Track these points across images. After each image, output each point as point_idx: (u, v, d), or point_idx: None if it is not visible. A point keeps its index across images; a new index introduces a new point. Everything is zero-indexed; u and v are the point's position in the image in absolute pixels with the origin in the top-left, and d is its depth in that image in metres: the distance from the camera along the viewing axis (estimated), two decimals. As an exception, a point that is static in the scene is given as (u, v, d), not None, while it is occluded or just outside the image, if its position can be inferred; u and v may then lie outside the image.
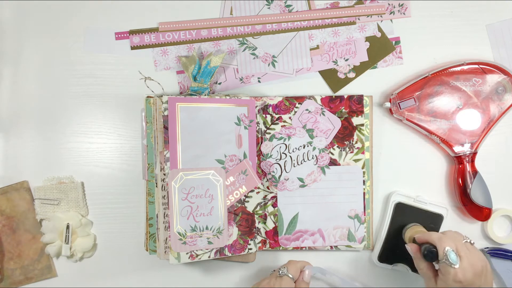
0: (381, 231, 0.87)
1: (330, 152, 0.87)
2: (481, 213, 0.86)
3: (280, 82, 0.89)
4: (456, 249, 0.71)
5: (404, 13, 0.89)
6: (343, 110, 0.87)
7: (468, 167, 0.86)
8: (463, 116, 0.86)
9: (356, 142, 0.87)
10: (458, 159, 0.87)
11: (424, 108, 0.86)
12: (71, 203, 0.87)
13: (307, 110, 0.87)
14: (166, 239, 0.82)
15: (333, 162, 0.87)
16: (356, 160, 0.87)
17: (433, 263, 0.74)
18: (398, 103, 0.86)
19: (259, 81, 0.89)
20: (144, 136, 0.86)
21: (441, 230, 0.87)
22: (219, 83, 0.89)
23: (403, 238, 0.85)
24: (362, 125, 0.87)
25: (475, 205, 0.86)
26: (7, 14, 0.89)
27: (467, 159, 0.86)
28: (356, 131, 0.87)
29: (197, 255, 0.82)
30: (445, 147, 0.87)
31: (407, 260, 0.86)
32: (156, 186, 0.83)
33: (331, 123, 0.87)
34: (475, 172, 0.86)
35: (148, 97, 0.85)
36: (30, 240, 0.88)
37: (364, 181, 0.87)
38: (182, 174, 0.81)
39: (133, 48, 0.88)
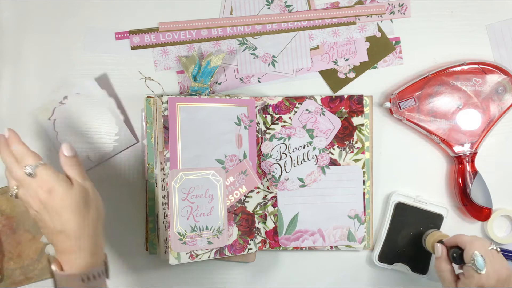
0: (381, 231, 0.87)
1: (330, 152, 0.87)
2: (481, 213, 0.86)
3: (280, 82, 0.89)
4: (483, 254, 0.71)
5: (404, 13, 0.89)
6: (343, 110, 0.87)
7: (468, 167, 0.86)
8: (463, 116, 0.86)
9: (356, 142, 0.87)
10: (458, 159, 0.87)
11: (424, 108, 0.86)
12: (71, 203, 0.87)
13: (307, 110, 0.87)
14: (166, 239, 0.82)
15: (333, 162, 0.87)
16: (356, 160, 0.87)
17: (457, 267, 0.75)
18: (398, 103, 0.86)
19: (259, 81, 0.89)
20: (144, 136, 0.86)
21: (441, 230, 0.87)
22: (219, 83, 0.89)
23: (424, 244, 0.85)
24: (362, 125, 0.87)
25: (475, 205, 0.86)
26: (7, 14, 0.88)
27: (467, 159, 0.86)
28: (356, 131, 0.87)
29: (197, 255, 0.82)
30: (445, 147, 0.87)
31: (407, 260, 0.86)
32: (156, 186, 0.83)
33: (331, 123, 0.87)
34: (475, 172, 0.86)
35: (148, 97, 0.85)
36: (30, 240, 0.88)
37: (364, 181, 0.87)
38: (182, 174, 0.81)
39: (133, 48, 0.88)
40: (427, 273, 0.87)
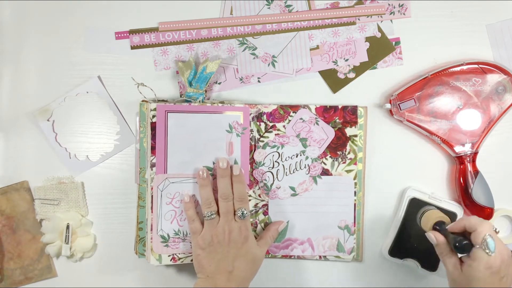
0: (394, 225, 0.87)
1: (322, 162, 0.86)
2: (482, 213, 0.86)
3: (280, 82, 0.89)
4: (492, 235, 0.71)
5: (404, 13, 0.89)
6: (337, 120, 0.86)
7: (469, 167, 0.86)
8: (463, 116, 0.86)
9: (349, 153, 0.86)
10: (459, 159, 0.86)
11: (424, 108, 0.86)
12: (71, 203, 0.87)
13: (301, 119, 0.86)
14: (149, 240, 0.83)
15: (325, 172, 0.86)
16: (348, 171, 0.86)
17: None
18: (398, 104, 0.86)
19: (259, 81, 0.89)
20: (137, 140, 0.86)
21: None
22: (219, 83, 0.89)
23: (419, 224, 0.84)
24: (356, 136, 0.86)
25: (477, 205, 0.86)
26: (7, 14, 0.89)
27: (468, 159, 0.86)
28: (349, 141, 0.86)
29: (179, 258, 0.83)
30: (446, 148, 0.87)
31: (418, 256, 0.86)
32: (147, 190, 0.83)
33: (325, 133, 0.86)
34: (476, 172, 0.86)
35: (143, 101, 0.85)
36: (30, 240, 0.88)
37: (355, 192, 0.87)
38: (168, 180, 0.82)
39: (133, 48, 0.89)
40: (436, 270, 0.86)
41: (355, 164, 0.86)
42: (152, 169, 0.82)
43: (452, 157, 0.88)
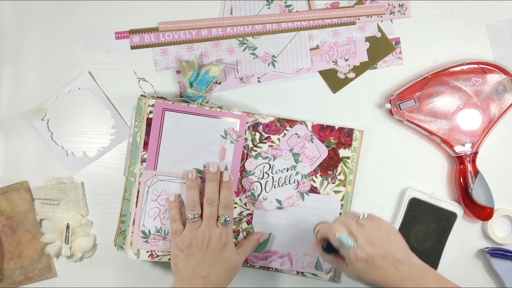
0: (394, 225, 0.87)
1: (312, 179, 0.86)
2: (483, 212, 0.86)
3: (280, 82, 0.89)
4: (348, 230, 0.71)
5: (404, 13, 0.89)
6: (332, 140, 0.86)
7: (470, 167, 0.86)
8: (463, 116, 0.86)
9: (339, 174, 0.86)
10: (459, 159, 0.86)
11: (424, 108, 0.86)
12: (71, 203, 0.87)
13: (296, 134, 0.86)
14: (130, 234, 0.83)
15: (314, 190, 0.86)
16: (336, 192, 0.86)
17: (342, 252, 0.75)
18: (399, 104, 0.86)
19: (259, 81, 0.89)
20: (131, 134, 0.86)
21: (453, 229, 0.87)
22: (219, 83, 0.89)
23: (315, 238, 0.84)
24: (348, 158, 0.86)
25: (477, 205, 0.86)
26: (7, 14, 0.89)
27: (468, 159, 0.86)
28: (341, 163, 0.86)
29: (157, 256, 0.83)
30: (446, 148, 0.87)
31: (418, 256, 0.86)
32: (134, 184, 0.84)
33: (318, 151, 0.86)
34: (476, 172, 0.86)
35: (141, 95, 0.85)
36: (30, 240, 0.88)
37: (340, 214, 0.86)
38: (156, 177, 0.82)
39: (133, 47, 0.89)
40: (436, 270, 0.86)
41: (344, 186, 0.86)
42: (142, 164, 0.82)
43: (452, 157, 0.88)
